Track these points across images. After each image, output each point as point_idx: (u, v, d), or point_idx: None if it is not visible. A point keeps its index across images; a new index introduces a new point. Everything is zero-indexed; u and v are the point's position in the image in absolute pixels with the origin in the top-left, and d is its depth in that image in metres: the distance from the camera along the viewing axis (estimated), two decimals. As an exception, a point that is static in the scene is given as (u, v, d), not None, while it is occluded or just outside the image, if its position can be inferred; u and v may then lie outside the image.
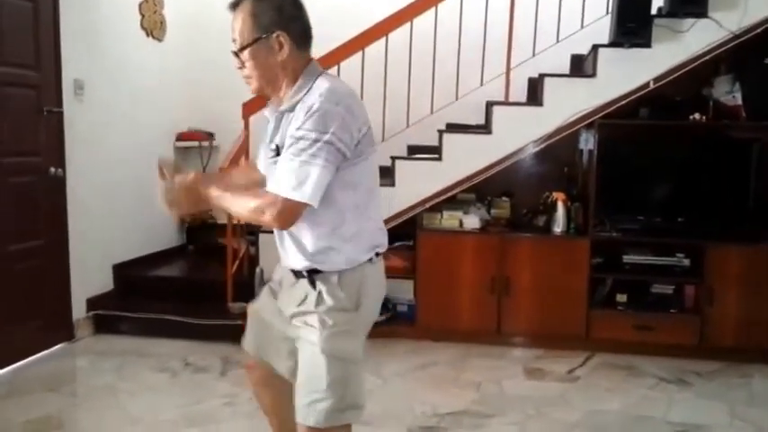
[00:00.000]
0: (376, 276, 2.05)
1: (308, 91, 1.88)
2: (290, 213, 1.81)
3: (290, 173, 1.78)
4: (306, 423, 1.91)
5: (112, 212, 4.66)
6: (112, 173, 4.65)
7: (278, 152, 1.90)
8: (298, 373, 1.97)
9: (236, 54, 1.92)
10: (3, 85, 3.77)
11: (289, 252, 2.00)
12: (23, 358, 3.98)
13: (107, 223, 4.61)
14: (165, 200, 1.95)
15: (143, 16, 4.98)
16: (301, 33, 1.94)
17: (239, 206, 1.89)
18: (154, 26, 5.07)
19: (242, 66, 1.93)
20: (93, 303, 4.54)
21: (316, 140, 1.77)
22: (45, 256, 4.13)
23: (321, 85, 1.88)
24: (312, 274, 1.94)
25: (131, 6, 4.91)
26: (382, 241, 2.07)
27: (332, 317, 1.91)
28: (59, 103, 4.17)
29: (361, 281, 1.96)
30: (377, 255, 2.04)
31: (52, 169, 4.10)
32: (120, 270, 4.82)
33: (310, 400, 1.90)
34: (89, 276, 4.51)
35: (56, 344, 4.25)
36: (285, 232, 1.97)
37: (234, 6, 1.91)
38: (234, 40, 1.91)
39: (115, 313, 4.56)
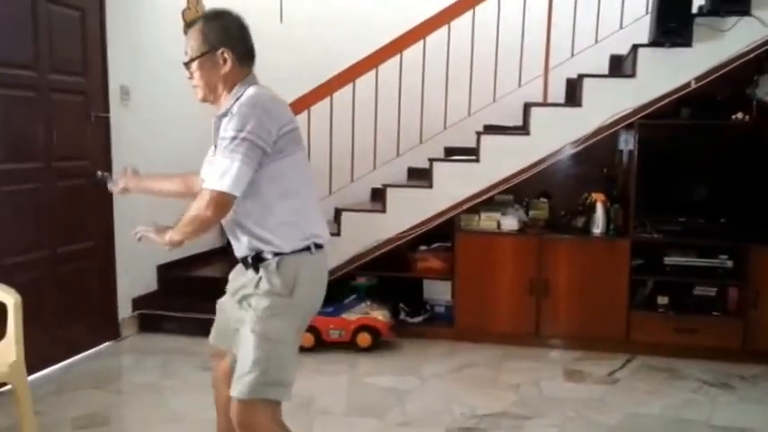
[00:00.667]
0: (314, 267, 2.22)
1: (237, 99, 2.13)
2: (219, 203, 2.04)
3: (215, 168, 2.05)
4: (232, 393, 2.12)
5: (157, 215, 4.70)
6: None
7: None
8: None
9: (186, 65, 2.21)
10: (53, 91, 3.89)
11: (235, 242, 2.24)
12: (72, 356, 4.10)
13: (151, 225, 4.71)
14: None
15: (186, 22, 5.08)
16: (244, 52, 2.21)
17: (190, 223, 2.13)
18: (196, 32, 5.16)
19: (191, 76, 2.22)
20: (138, 303, 4.66)
21: (234, 138, 2.02)
22: (93, 257, 4.26)
23: (247, 93, 2.14)
24: (255, 261, 2.17)
25: (174, 12, 5.01)
26: (318, 232, 2.23)
27: (266, 300, 2.13)
28: (106, 108, 4.29)
29: (298, 269, 2.15)
30: (316, 246, 2.21)
31: (99, 173, 4.21)
32: (164, 271, 4.93)
33: (239, 374, 2.11)
34: (134, 277, 4.63)
35: (102, 342, 4.37)
36: (233, 225, 2.19)
37: (189, 26, 2.23)
38: (186, 53, 2.21)
39: (159, 313, 4.67)
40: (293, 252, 2.15)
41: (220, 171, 2.02)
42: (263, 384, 2.09)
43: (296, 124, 2.19)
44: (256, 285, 2.15)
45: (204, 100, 2.24)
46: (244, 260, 2.23)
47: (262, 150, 2.04)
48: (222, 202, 2.04)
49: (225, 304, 2.40)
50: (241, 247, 2.21)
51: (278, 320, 2.12)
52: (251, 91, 2.14)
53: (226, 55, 2.15)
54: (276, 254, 2.14)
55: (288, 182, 2.14)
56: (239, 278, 2.28)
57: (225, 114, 2.12)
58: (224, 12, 2.23)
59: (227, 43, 2.16)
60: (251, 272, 2.19)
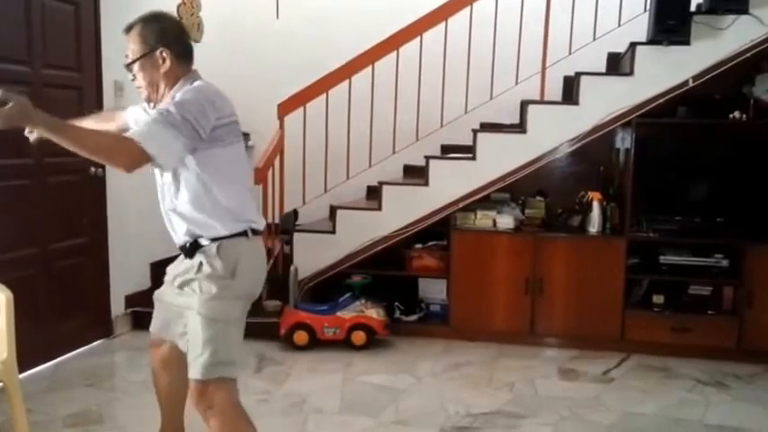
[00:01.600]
0: (253, 251, 2.32)
1: (179, 91, 2.22)
2: (136, 158, 2.02)
3: (148, 126, 2.07)
4: (190, 376, 2.22)
5: (150, 212, 4.67)
6: (151, 173, 4.70)
7: None
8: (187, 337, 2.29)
9: (128, 68, 2.28)
10: (46, 86, 3.85)
11: (172, 232, 2.36)
12: (64, 353, 4.07)
13: (145, 222, 4.67)
14: None
15: (181, 18, 5.04)
16: (182, 51, 2.29)
17: (92, 140, 2.03)
18: (191, 28, 5.13)
19: (134, 78, 2.30)
20: (131, 300, 4.62)
21: (175, 114, 2.06)
22: (86, 254, 4.22)
23: (192, 85, 2.23)
24: (194, 248, 2.26)
25: (169, 8, 4.95)
26: (253, 218, 2.33)
27: (210, 283, 2.22)
28: (100, 104, 4.25)
29: (237, 252, 2.25)
30: (253, 231, 2.30)
31: (93, 169, 4.19)
32: (157, 268, 4.88)
33: (193, 356, 2.22)
34: (127, 274, 4.59)
35: (95, 340, 4.34)
36: (171, 213, 2.30)
37: (128, 30, 2.31)
38: (126, 56, 2.29)
39: (152, 310, 4.62)
40: (231, 236, 2.25)
41: (153, 133, 2.04)
42: (215, 364, 2.20)
43: (236, 118, 2.27)
44: (198, 270, 2.24)
45: (149, 100, 2.31)
46: (182, 247, 2.32)
47: (198, 135, 2.10)
48: (140, 160, 2.03)
49: (164, 294, 2.49)
50: (178, 235, 2.32)
51: (222, 302, 2.22)
52: (196, 83, 2.25)
53: (164, 54, 2.24)
54: (214, 239, 2.24)
55: (227, 170, 2.23)
56: (179, 265, 2.38)
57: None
58: (161, 14, 2.35)
59: (165, 43, 2.25)
60: (190, 258, 2.28)
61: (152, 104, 2.32)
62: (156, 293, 2.55)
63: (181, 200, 2.25)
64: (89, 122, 2.57)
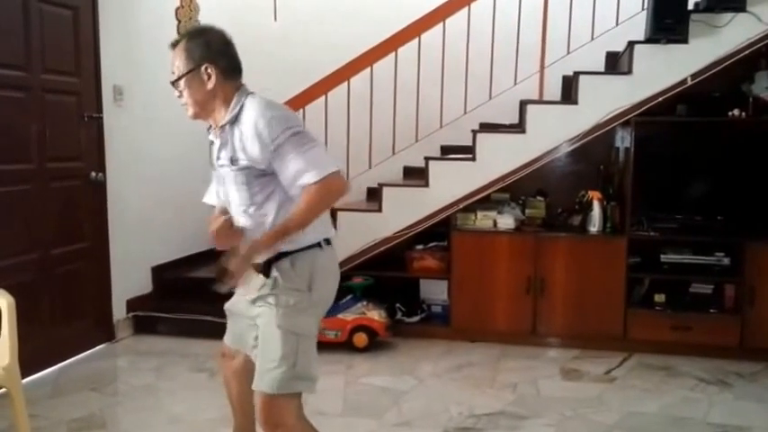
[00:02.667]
0: (327, 261, 2.28)
1: (240, 107, 2.18)
2: (339, 185, 2.10)
3: (308, 158, 2.07)
4: (259, 389, 2.17)
5: (151, 216, 4.74)
6: (151, 177, 4.73)
7: (232, 162, 2.18)
8: (258, 348, 2.24)
9: (174, 84, 2.26)
10: (45, 91, 3.86)
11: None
12: (67, 358, 4.08)
13: (146, 226, 4.70)
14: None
15: (179, 22, 5.06)
16: (228, 65, 2.23)
17: (306, 214, 2.08)
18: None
19: (180, 95, 2.25)
20: (132, 305, 4.63)
21: (295, 134, 2.08)
22: (87, 259, 4.23)
23: (254, 100, 2.19)
24: (268, 264, 2.17)
25: (168, 12, 4.99)
26: (325, 229, 2.28)
27: (287, 296, 2.17)
28: (99, 109, 4.26)
29: (313, 264, 2.21)
30: (326, 241, 2.27)
31: (93, 174, 4.19)
32: (159, 272, 4.90)
33: (265, 368, 2.16)
34: (129, 278, 4.60)
35: (97, 344, 4.34)
36: (258, 228, 2.19)
37: (174, 45, 2.26)
38: (172, 73, 2.25)
39: (154, 314, 4.65)
40: (305, 249, 2.19)
41: (318, 158, 2.07)
42: (292, 378, 2.16)
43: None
44: (273, 285, 2.18)
45: (196, 117, 2.27)
46: (258, 264, 2.19)
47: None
48: (339, 182, 2.09)
49: (237, 305, 2.41)
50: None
51: (301, 315, 2.18)
52: (256, 99, 2.20)
53: (210, 70, 2.19)
54: (287, 253, 2.17)
55: None
56: (252, 281, 2.25)
57: (231, 122, 2.18)
58: (206, 28, 2.29)
59: (210, 59, 2.19)
60: (265, 276, 2.20)
61: (210, 125, 2.27)
62: (228, 305, 2.48)
63: (262, 215, 2.19)
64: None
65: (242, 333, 2.40)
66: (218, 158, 2.23)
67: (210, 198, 2.43)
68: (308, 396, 3.52)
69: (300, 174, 2.07)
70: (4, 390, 2.71)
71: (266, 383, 2.15)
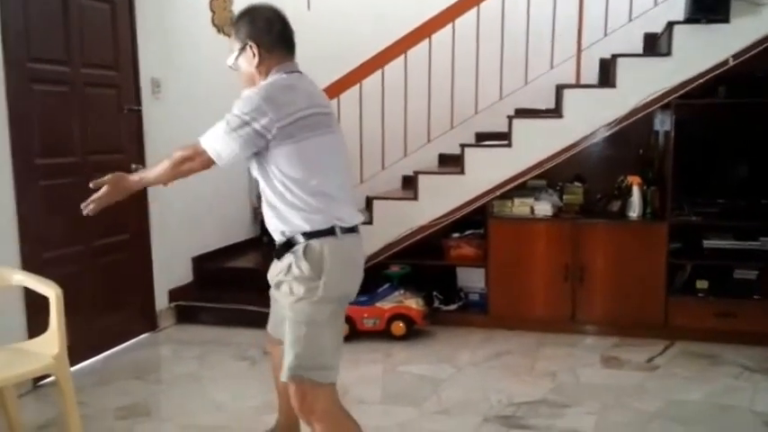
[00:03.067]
0: (343, 250, 2.24)
1: None
2: (204, 161, 2.24)
3: (213, 130, 2.20)
4: (281, 379, 2.24)
5: (191, 207, 4.80)
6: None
7: None
8: None
9: (231, 68, 2.34)
10: (86, 85, 3.93)
11: (269, 227, 2.32)
12: (111, 348, 4.17)
13: (186, 217, 4.76)
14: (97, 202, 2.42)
15: (214, 13, 5.09)
16: (271, 41, 2.27)
17: (163, 169, 2.32)
18: (224, 22, 5.17)
19: (237, 69, 2.33)
20: (174, 294, 4.71)
21: (234, 116, 2.14)
22: (129, 250, 4.31)
23: (269, 79, 2.25)
24: (283, 248, 2.23)
25: (202, 4, 5.03)
26: (341, 214, 2.25)
27: (297, 284, 2.19)
28: (138, 101, 4.32)
29: (324, 252, 2.18)
30: (344, 229, 2.24)
31: (133, 166, 4.23)
32: (199, 262, 4.97)
33: (284, 358, 2.22)
34: (170, 269, 4.67)
35: (140, 334, 4.43)
36: (266, 207, 2.28)
37: (231, 21, 2.35)
38: (232, 50, 2.32)
39: (195, 304, 4.72)
40: (317, 236, 2.19)
41: (215, 137, 2.18)
42: (300, 367, 2.18)
43: (314, 110, 2.22)
44: (287, 271, 2.21)
45: None
46: (275, 248, 2.29)
47: (260, 135, 2.13)
48: (207, 160, 2.22)
49: (274, 293, 2.42)
50: (273, 233, 2.30)
51: (308, 304, 2.18)
52: (270, 78, 2.25)
53: (254, 49, 2.24)
54: (302, 235, 2.20)
55: (304, 165, 2.18)
56: (274, 266, 2.32)
57: None
58: (253, 6, 2.32)
59: (254, 36, 2.25)
60: (281, 257, 2.26)
61: None
62: (271, 291, 2.44)
63: (270, 195, 2.25)
64: None
65: (277, 320, 2.44)
66: None
67: None
68: (348, 384, 3.56)
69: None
70: (53, 378, 2.78)
71: (283, 373, 2.20)
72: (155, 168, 2.34)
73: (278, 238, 2.27)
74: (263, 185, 2.26)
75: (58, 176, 3.76)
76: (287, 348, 2.20)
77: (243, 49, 2.26)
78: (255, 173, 2.28)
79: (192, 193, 4.80)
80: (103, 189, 2.41)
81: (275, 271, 2.29)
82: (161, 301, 4.60)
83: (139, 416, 3.31)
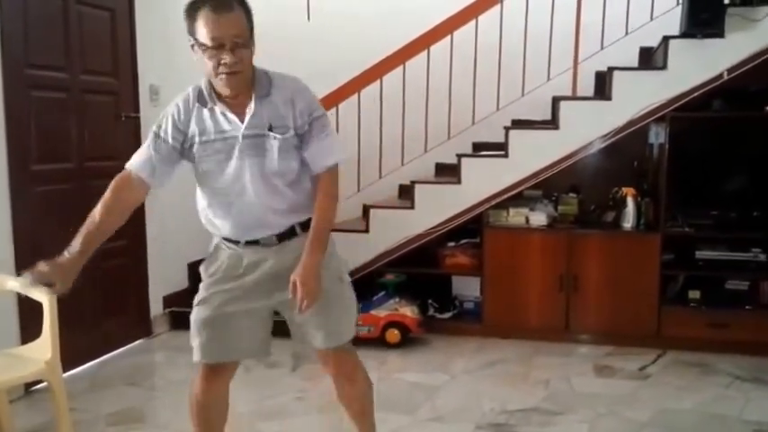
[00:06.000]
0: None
1: (265, 74, 2.20)
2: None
3: (331, 143, 2.23)
4: (338, 344, 2.38)
5: (186, 213, 4.75)
6: (187, 175, 4.78)
7: (271, 130, 2.16)
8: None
9: (242, 48, 2.05)
10: (84, 92, 3.94)
11: (277, 219, 2.25)
12: (105, 353, 4.17)
13: (181, 224, 4.75)
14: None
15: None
16: None
17: (331, 217, 2.29)
18: (224, 31, 5.20)
19: (238, 60, 2.05)
20: (169, 301, 4.71)
21: (323, 115, 2.23)
22: (125, 256, 4.31)
23: (278, 74, 2.23)
24: (290, 234, 2.26)
25: (202, 12, 5.04)
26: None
27: (330, 258, 2.31)
28: (136, 108, 4.34)
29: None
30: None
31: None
32: (194, 268, 4.94)
33: (338, 327, 2.37)
34: (165, 275, 4.68)
35: (135, 340, 4.43)
36: (267, 207, 2.23)
37: (229, 8, 2.02)
38: (237, 36, 2.03)
39: (190, 310, 4.68)
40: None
41: (334, 146, 2.24)
42: (353, 332, 2.41)
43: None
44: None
45: (243, 85, 2.13)
46: (280, 236, 2.26)
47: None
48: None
49: (228, 306, 2.35)
50: (290, 219, 2.26)
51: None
52: (279, 73, 2.24)
53: (253, 36, 2.13)
54: (302, 225, 2.26)
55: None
56: (282, 253, 2.25)
57: (267, 95, 2.16)
58: None
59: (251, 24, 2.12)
60: (299, 239, 2.24)
61: (211, 96, 2.17)
62: (207, 314, 2.45)
63: (304, 183, 2.28)
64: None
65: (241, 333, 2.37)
66: (253, 126, 2.15)
67: (143, 169, 2.35)
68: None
69: (327, 153, 2.22)
70: (45, 384, 2.79)
71: (347, 336, 2.38)
72: (325, 227, 2.24)
73: (284, 230, 2.26)
74: (295, 177, 2.22)
75: (55, 182, 3.77)
76: (343, 317, 2.35)
77: (252, 32, 2.10)
78: (294, 163, 2.21)
79: (187, 199, 4.81)
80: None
81: (295, 255, 2.19)
82: (156, 307, 4.60)
83: (132, 422, 3.31)
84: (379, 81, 4.61)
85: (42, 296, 2.70)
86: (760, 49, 3.97)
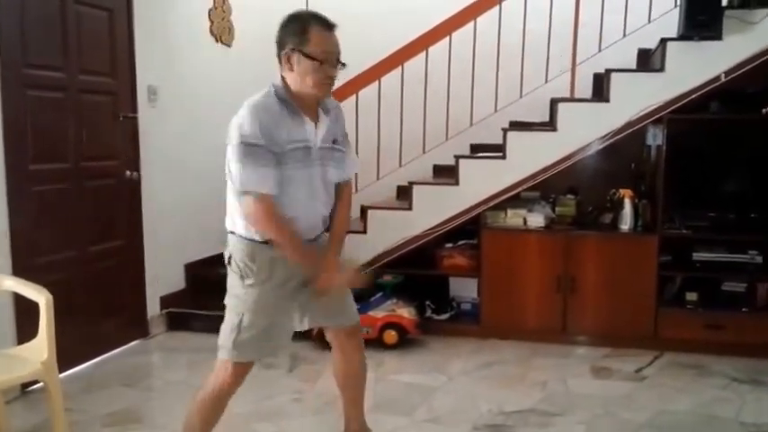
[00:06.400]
0: None
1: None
2: None
3: (354, 157, 2.70)
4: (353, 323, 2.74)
5: (184, 214, 4.80)
6: (184, 175, 4.80)
7: (335, 143, 2.53)
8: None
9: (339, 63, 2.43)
10: (82, 92, 3.94)
11: (323, 220, 2.56)
12: (102, 354, 4.16)
13: (179, 224, 4.77)
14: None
15: (212, 22, 5.12)
16: None
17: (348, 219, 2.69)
18: (222, 32, 5.21)
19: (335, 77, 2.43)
20: (166, 301, 4.70)
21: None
22: (122, 256, 4.31)
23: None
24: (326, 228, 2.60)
25: (201, 13, 5.05)
26: None
27: None
28: (134, 108, 4.33)
29: None
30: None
31: (128, 173, 4.27)
32: (192, 269, 4.98)
33: (353, 310, 2.74)
34: (162, 275, 4.67)
35: (132, 340, 4.42)
36: (323, 210, 2.54)
37: (335, 27, 2.49)
38: (339, 54, 2.46)
39: (187, 311, 4.72)
40: None
41: (356, 160, 2.69)
42: None
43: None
44: None
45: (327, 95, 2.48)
46: (320, 234, 2.59)
47: None
48: None
49: (283, 304, 2.52)
50: (323, 225, 2.58)
51: None
52: None
53: None
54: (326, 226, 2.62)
55: None
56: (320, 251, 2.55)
57: (327, 111, 2.49)
58: None
59: None
60: (319, 240, 2.59)
61: (290, 108, 2.40)
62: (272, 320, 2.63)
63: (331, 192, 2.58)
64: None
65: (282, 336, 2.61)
66: (329, 140, 2.48)
67: (271, 187, 2.32)
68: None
69: (352, 166, 2.65)
70: (41, 384, 2.78)
71: (357, 321, 2.74)
72: (348, 228, 2.75)
73: (323, 229, 2.58)
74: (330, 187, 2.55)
75: (52, 182, 3.77)
76: (353, 304, 2.71)
77: None
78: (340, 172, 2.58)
79: (185, 199, 4.82)
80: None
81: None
82: (153, 307, 4.59)
83: (129, 423, 3.30)
84: (377, 82, 4.61)
85: (39, 296, 2.70)
86: (757, 52, 3.97)
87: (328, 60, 2.34)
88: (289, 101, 2.36)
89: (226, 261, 2.50)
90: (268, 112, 2.31)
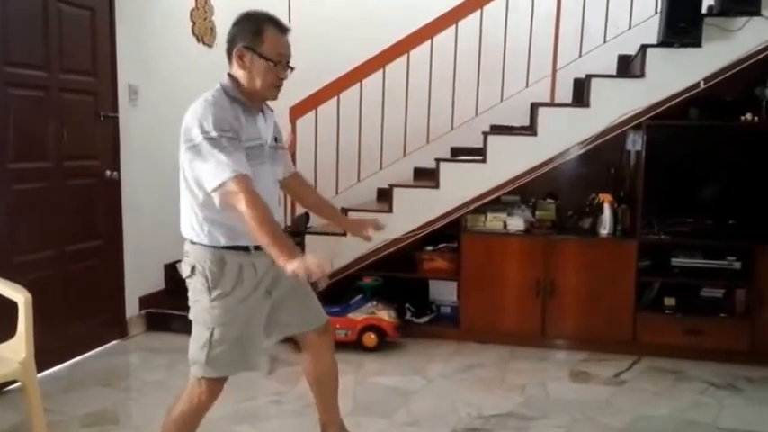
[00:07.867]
0: None
1: None
2: None
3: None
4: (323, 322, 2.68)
5: (164, 214, 4.75)
6: (165, 175, 4.74)
7: (277, 141, 2.51)
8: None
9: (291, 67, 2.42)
10: (63, 91, 3.91)
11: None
12: (80, 354, 4.13)
13: (159, 224, 4.73)
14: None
15: (194, 23, 5.09)
16: None
17: None
18: (204, 32, 5.19)
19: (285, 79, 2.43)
20: (145, 302, 4.68)
21: None
22: (101, 256, 4.28)
23: None
24: None
25: (182, 13, 5.03)
26: None
27: None
28: (115, 108, 4.31)
29: None
30: None
31: (108, 172, 4.24)
32: (171, 269, 4.94)
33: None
34: (142, 275, 4.64)
35: (110, 341, 4.39)
36: (275, 210, 2.41)
37: (289, 30, 2.43)
38: (290, 56, 2.43)
39: (166, 311, 4.69)
40: None
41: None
42: None
43: None
44: None
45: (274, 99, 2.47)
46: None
47: None
48: None
49: (256, 300, 2.45)
50: None
51: None
52: None
53: None
54: None
55: None
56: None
57: (267, 110, 2.51)
58: None
59: None
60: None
61: (245, 106, 2.40)
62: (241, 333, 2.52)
63: None
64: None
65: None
66: (273, 139, 2.47)
67: (247, 169, 2.24)
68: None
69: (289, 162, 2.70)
70: (19, 384, 2.75)
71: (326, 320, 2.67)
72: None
73: None
74: None
75: (32, 181, 3.73)
76: (317, 301, 2.66)
77: None
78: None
79: (165, 199, 4.78)
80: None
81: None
82: (131, 308, 4.57)
83: (107, 423, 3.28)
84: (358, 85, 4.61)
85: (18, 295, 2.68)
86: (736, 59, 4.02)
87: (281, 62, 2.35)
88: (240, 99, 2.34)
89: (187, 273, 2.41)
90: (223, 110, 2.27)
